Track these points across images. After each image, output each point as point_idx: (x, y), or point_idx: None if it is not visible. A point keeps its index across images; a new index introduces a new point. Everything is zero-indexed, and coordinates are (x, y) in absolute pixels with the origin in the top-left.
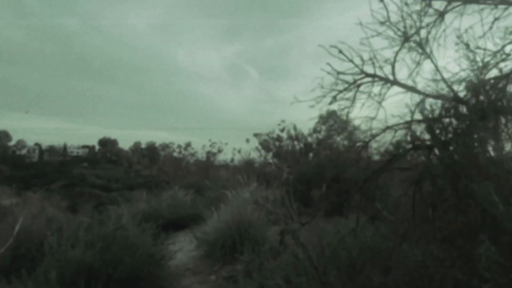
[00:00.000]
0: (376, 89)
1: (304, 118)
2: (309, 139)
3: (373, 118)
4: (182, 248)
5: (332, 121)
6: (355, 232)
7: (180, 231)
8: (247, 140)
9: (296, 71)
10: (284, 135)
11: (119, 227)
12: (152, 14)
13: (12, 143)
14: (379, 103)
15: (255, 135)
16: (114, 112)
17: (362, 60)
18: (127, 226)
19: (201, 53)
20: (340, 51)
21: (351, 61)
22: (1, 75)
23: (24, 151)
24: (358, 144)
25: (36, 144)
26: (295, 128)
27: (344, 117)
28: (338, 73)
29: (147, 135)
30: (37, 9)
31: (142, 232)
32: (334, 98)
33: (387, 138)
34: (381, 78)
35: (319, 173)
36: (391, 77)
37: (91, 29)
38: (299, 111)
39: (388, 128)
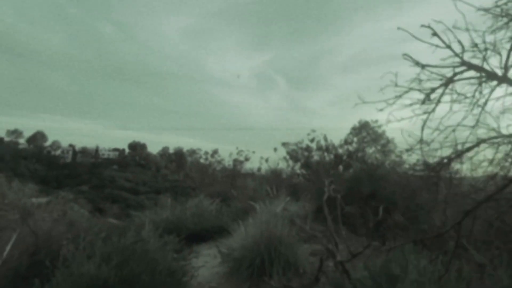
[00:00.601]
0: (470, 88)
1: (331, 128)
2: (340, 151)
3: (473, 126)
4: (206, 264)
5: (365, 133)
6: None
7: (203, 243)
8: (275, 149)
9: (324, 81)
10: (313, 145)
11: (139, 240)
12: (184, 23)
13: (48, 143)
14: (482, 106)
15: (283, 144)
16: (144, 117)
17: (462, 47)
18: (148, 237)
19: (230, 61)
20: (435, 33)
21: (449, 47)
22: (39, 78)
23: (58, 152)
24: (439, 160)
25: (70, 145)
26: (325, 138)
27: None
28: (423, 66)
29: (175, 141)
30: (76, 15)
31: (163, 246)
32: (427, 97)
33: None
34: (487, 73)
35: (354, 188)
36: (499, 72)
37: (126, 36)
38: (327, 121)
39: (483, 141)
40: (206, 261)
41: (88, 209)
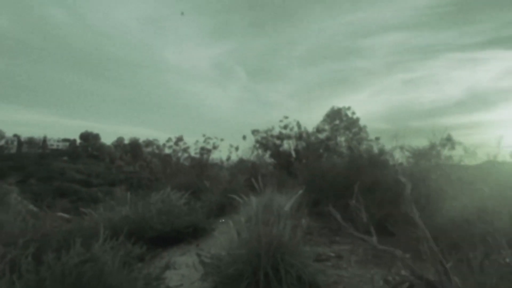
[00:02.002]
0: None
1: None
2: (313, 139)
3: None
4: (183, 278)
5: (338, 120)
6: None
7: (175, 247)
8: (244, 137)
9: (284, 73)
10: (288, 131)
11: (87, 259)
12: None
13: None
14: None
15: (253, 132)
16: (97, 106)
17: None
18: (100, 254)
19: (189, 50)
20: None
21: None
22: None
23: (2, 142)
24: None
25: (15, 135)
26: (299, 125)
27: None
28: None
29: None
30: None
31: (123, 266)
32: None
33: None
34: None
35: (351, 178)
36: None
37: (77, 20)
38: (288, 113)
39: None
40: (183, 275)
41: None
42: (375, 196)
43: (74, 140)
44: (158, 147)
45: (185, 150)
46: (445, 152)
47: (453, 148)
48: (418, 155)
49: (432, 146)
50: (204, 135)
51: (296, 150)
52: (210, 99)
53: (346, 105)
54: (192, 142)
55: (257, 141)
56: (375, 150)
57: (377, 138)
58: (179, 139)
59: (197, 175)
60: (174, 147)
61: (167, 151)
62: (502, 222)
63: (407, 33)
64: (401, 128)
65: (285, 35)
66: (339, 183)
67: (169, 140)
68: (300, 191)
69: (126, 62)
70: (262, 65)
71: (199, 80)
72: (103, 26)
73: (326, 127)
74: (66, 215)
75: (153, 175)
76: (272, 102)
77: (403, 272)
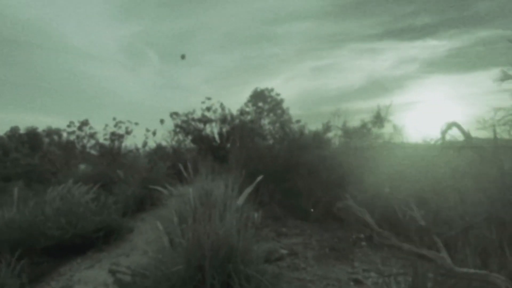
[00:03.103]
0: None
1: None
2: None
3: None
4: None
5: (261, 102)
6: None
7: (79, 257)
8: (162, 121)
9: (199, 57)
10: (211, 114)
11: None
12: None
13: None
14: None
15: (172, 115)
16: None
17: None
18: None
19: (94, 31)
20: None
21: None
22: None
23: None
24: None
25: None
26: (222, 107)
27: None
28: None
29: (28, 120)
30: None
31: None
32: None
33: None
34: None
35: (291, 161)
36: None
37: None
38: (203, 99)
39: None
40: None
41: None
42: (320, 179)
43: None
44: (58, 133)
45: (92, 136)
46: (376, 130)
47: (382, 126)
48: (352, 133)
49: (363, 125)
50: (114, 119)
51: (221, 134)
52: (120, 83)
53: (269, 87)
54: (101, 127)
55: (176, 125)
56: (307, 131)
57: (297, 121)
58: (84, 123)
59: (108, 165)
60: (78, 132)
61: (70, 138)
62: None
63: (315, 22)
64: (313, 113)
65: (199, 18)
66: (279, 166)
67: (71, 124)
68: (259, 178)
69: (21, 42)
70: (176, 49)
71: (107, 63)
72: None
73: (249, 109)
74: None
75: (55, 167)
76: (188, 87)
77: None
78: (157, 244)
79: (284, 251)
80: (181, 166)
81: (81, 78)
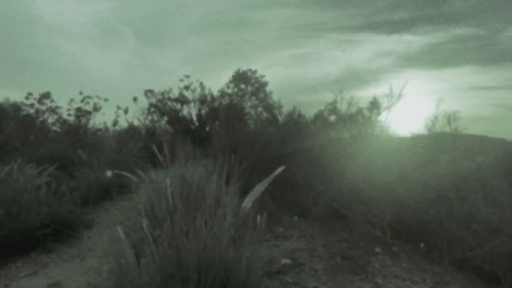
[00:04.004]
0: None
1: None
2: (215, 103)
3: None
4: None
5: (244, 84)
6: None
7: (19, 260)
8: (135, 99)
9: (176, 38)
10: (189, 94)
11: None
12: None
13: None
14: None
15: (147, 93)
16: None
17: None
18: None
19: (64, 3)
20: None
21: None
22: None
23: None
24: None
25: None
26: (202, 86)
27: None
28: None
29: None
30: None
31: None
32: None
33: None
34: None
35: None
36: None
37: None
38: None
39: None
40: None
41: None
42: (321, 170)
43: None
44: (15, 107)
45: (54, 111)
46: (372, 117)
47: (378, 114)
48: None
49: (359, 111)
50: (81, 93)
51: (199, 116)
52: (90, 60)
53: (252, 68)
54: (66, 103)
55: (151, 105)
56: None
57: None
58: (45, 96)
59: (72, 144)
60: (38, 105)
61: (29, 111)
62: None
63: (295, 10)
64: (291, 100)
65: None
66: (271, 153)
67: (29, 96)
68: (280, 168)
69: None
70: (152, 28)
71: (77, 39)
72: None
73: (231, 90)
74: None
75: (15, 143)
76: (163, 68)
77: None
78: (117, 258)
79: (286, 261)
80: (155, 149)
81: (49, 52)
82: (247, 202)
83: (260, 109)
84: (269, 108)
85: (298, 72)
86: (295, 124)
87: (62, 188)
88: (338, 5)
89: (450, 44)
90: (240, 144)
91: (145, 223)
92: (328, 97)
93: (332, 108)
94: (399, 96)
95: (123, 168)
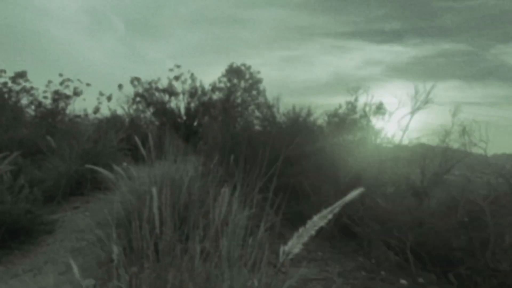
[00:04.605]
0: None
1: None
2: (206, 97)
3: None
4: None
5: (237, 80)
6: None
7: None
8: (120, 86)
9: (167, 31)
10: (179, 85)
11: None
12: None
13: None
14: None
15: (133, 80)
16: None
17: None
18: None
19: None
20: None
21: None
22: None
23: None
24: None
25: None
26: (193, 77)
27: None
28: None
29: None
30: None
31: None
32: None
33: None
34: None
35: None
36: None
37: None
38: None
39: None
40: None
41: None
42: (333, 179)
43: None
44: None
45: (29, 92)
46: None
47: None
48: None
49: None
50: (61, 75)
51: (188, 109)
52: (77, 46)
53: (247, 63)
54: (43, 83)
55: (137, 94)
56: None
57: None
58: (20, 74)
59: (46, 130)
60: (11, 85)
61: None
62: None
63: (289, 11)
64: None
65: None
66: (274, 157)
67: (1, 74)
68: (357, 191)
69: None
70: (143, 19)
71: (65, 23)
72: None
73: (223, 85)
74: None
75: None
76: (152, 60)
77: None
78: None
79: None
80: (138, 141)
81: (34, 34)
82: (294, 245)
83: (252, 107)
84: (265, 106)
85: (287, 74)
86: (303, 123)
87: (20, 181)
88: (332, 11)
89: (438, 58)
90: (237, 144)
91: (115, 250)
92: (318, 101)
93: (351, 107)
94: (426, 100)
95: (100, 161)
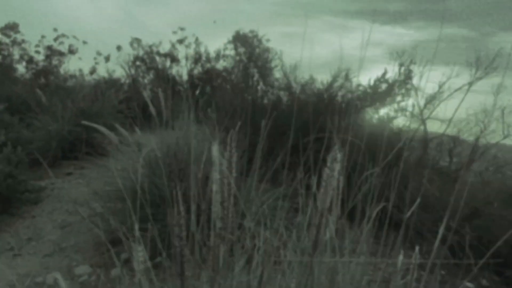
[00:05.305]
0: None
1: None
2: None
3: None
4: None
5: (244, 48)
6: None
7: None
8: (119, 48)
9: (167, 1)
10: (182, 49)
11: None
12: None
13: None
14: None
15: (133, 42)
16: None
17: None
18: None
19: None
20: None
21: None
22: None
23: None
24: None
25: None
26: (197, 42)
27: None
28: None
29: None
30: None
31: None
32: None
33: None
34: None
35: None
36: None
37: None
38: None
39: None
40: None
41: None
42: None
43: None
44: None
45: (20, 45)
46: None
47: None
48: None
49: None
50: (55, 30)
51: (190, 76)
52: (75, 12)
53: (254, 30)
54: (36, 38)
55: (137, 57)
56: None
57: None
58: (10, 26)
59: (39, 87)
60: (1, 37)
61: None
62: None
63: None
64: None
65: None
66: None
67: None
68: None
69: None
70: None
71: None
72: None
73: (229, 52)
74: None
75: None
76: (152, 28)
77: None
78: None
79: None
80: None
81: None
82: None
83: (255, 77)
84: (284, 74)
85: (287, 50)
86: (333, 95)
87: (1, 137)
88: None
89: (439, 42)
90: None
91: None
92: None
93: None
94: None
95: (97, 122)
